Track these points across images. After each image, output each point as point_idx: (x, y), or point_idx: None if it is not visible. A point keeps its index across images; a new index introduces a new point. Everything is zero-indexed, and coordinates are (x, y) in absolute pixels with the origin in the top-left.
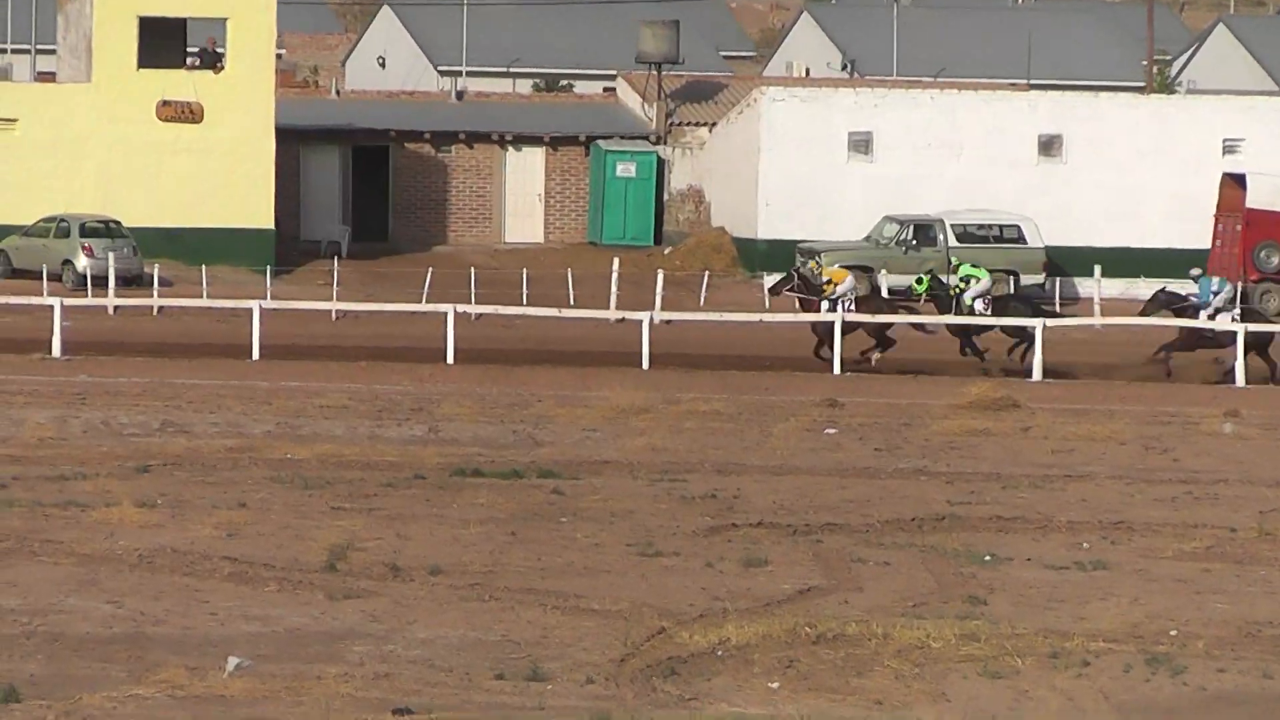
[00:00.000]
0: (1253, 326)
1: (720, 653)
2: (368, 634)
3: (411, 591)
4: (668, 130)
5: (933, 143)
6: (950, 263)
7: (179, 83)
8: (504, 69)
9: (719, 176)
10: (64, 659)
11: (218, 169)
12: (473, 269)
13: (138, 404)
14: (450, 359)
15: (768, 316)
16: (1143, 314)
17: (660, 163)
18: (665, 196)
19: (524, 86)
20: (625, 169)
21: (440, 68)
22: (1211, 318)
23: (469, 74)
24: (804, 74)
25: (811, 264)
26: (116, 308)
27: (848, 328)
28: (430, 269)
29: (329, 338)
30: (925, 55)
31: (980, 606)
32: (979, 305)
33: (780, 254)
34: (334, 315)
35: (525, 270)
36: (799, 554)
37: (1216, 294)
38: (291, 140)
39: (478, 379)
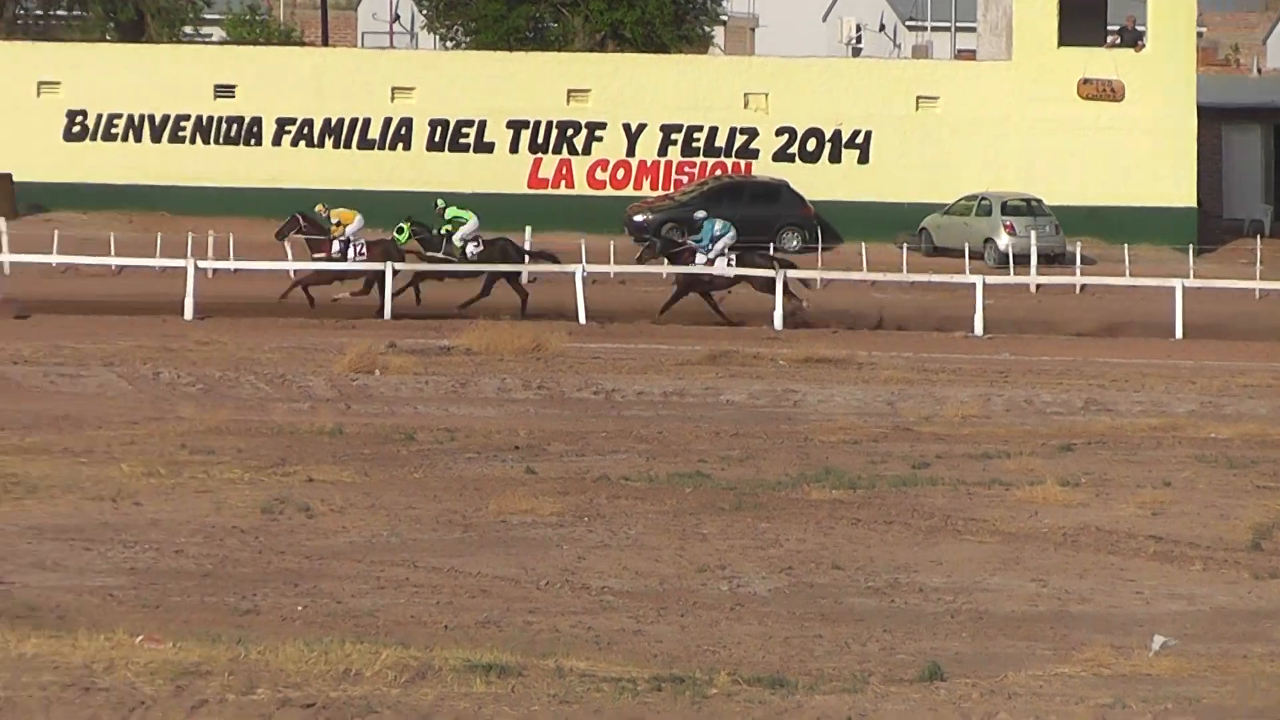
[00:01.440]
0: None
1: None
2: None
3: None
4: None
5: None
6: None
7: (1099, 61)
8: None
9: None
10: (988, 637)
11: (1138, 147)
12: None
13: (1060, 382)
14: None
15: None
16: (639, 261)
17: None
18: None
19: None
20: None
21: None
22: (711, 262)
23: None
24: None
25: (319, 206)
26: (1038, 286)
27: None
28: None
29: (1250, 317)
30: None
31: None
32: (470, 248)
33: None
34: (1256, 294)
35: None
36: None
37: (719, 238)
38: (1212, 119)
39: None
